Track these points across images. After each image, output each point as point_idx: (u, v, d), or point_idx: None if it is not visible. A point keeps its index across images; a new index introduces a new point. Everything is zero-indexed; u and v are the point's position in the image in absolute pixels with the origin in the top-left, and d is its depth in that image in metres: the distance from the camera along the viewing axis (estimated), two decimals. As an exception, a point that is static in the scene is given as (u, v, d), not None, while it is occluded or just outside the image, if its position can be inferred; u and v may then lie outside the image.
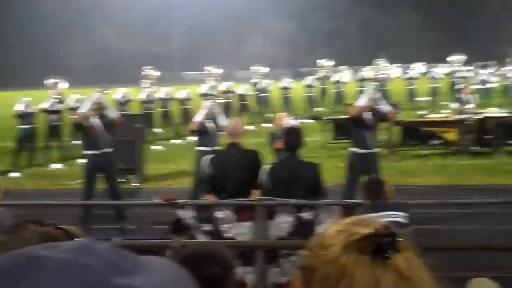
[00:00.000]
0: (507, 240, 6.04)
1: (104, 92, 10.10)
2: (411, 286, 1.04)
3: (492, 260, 5.75)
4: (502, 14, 58.14)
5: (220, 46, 59.82)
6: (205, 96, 19.31)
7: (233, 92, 22.92)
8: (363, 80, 25.61)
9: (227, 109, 21.30)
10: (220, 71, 24.45)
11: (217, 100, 11.61)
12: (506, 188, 11.05)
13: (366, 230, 1.07)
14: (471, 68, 27.48)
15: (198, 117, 10.26)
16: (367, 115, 9.48)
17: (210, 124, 10.24)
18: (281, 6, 61.69)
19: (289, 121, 10.37)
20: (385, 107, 9.81)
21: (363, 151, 9.48)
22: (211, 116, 10.29)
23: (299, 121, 11.51)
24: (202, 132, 10.23)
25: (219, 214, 6.04)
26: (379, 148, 9.95)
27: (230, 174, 6.38)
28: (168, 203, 5.97)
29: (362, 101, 9.51)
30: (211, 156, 6.88)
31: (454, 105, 16.38)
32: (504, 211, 6.05)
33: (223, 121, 10.10)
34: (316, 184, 6.28)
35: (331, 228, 1.14)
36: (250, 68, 25.39)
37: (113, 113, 9.91)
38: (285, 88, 24.23)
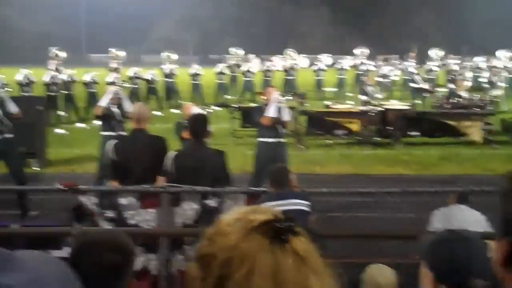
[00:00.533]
0: (404, 227, 6.28)
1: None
2: (308, 267, 1.11)
3: (389, 247, 5.98)
4: (405, 11, 60.26)
5: (128, 29, 58.61)
6: (112, 84, 19.00)
7: (140, 78, 22.60)
8: (269, 70, 25.84)
9: (134, 95, 21.01)
10: (123, 53, 24.07)
11: (123, 85, 11.42)
12: (405, 178, 11.51)
13: (264, 217, 1.11)
14: (372, 63, 28.29)
15: (103, 102, 10.05)
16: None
17: (115, 109, 10.05)
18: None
19: (196, 110, 10.31)
20: (286, 115, 9.97)
21: (270, 140, 9.64)
22: (116, 101, 10.11)
23: (206, 110, 11.40)
24: (107, 117, 10.02)
25: (123, 200, 5.94)
26: (286, 138, 10.12)
27: (134, 160, 6.27)
28: (69, 188, 5.80)
29: (272, 112, 9.68)
30: (115, 141, 6.74)
31: (363, 97, 16.87)
32: (402, 200, 6.30)
33: (128, 106, 9.97)
34: (222, 171, 6.27)
35: (228, 216, 1.17)
36: (161, 54, 25.11)
37: (12, 106, 9.50)
38: (195, 75, 24.10)
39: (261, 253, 1.08)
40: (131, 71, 22.46)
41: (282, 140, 9.81)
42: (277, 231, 1.10)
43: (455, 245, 2.14)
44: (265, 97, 10.05)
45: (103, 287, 1.97)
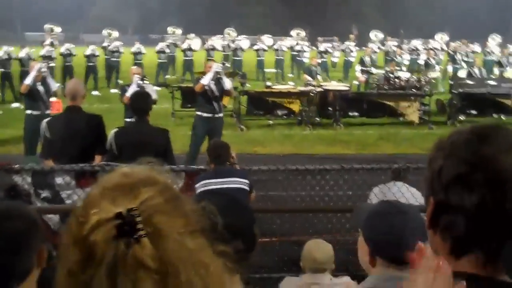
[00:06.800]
0: (341, 204, 6.33)
1: None
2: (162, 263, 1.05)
3: (327, 223, 6.05)
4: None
5: (65, 7, 57.05)
6: (45, 58, 18.65)
7: (73, 54, 21.94)
8: (212, 49, 25.67)
9: (67, 72, 20.65)
10: (59, 29, 23.50)
11: (49, 63, 11.29)
12: (344, 157, 11.65)
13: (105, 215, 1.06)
14: (306, 44, 28.46)
15: (28, 79, 9.81)
16: (212, 86, 9.89)
17: (40, 87, 9.87)
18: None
19: (138, 80, 9.99)
20: (227, 84, 10.09)
21: (207, 115, 9.82)
22: (39, 78, 9.90)
23: (146, 82, 10.97)
24: (31, 95, 9.83)
25: (59, 180, 5.78)
26: (222, 113, 10.28)
27: (69, 138, 6.05)
28: (3, 168, 5.60)
29: (206, 79, 9.86)
30: (48, 119, 6.53)
31: (308, 77, 16.98)
32: (340, 177, 6.35)
33: (52, 84, 9.96)
34: (165, 150, 6.16)
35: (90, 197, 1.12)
36: (102, 32, 24.60)
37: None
38: (137, 53, 23.67)
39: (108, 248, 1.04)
40: (63, 48, 21.88)
41: (219, 115, 9.99)
42: (123, 227, 1.06)
43: (392, 218, 2.13)
44: (207, 72, 10.12)
45: (7, 257, 1.86)
